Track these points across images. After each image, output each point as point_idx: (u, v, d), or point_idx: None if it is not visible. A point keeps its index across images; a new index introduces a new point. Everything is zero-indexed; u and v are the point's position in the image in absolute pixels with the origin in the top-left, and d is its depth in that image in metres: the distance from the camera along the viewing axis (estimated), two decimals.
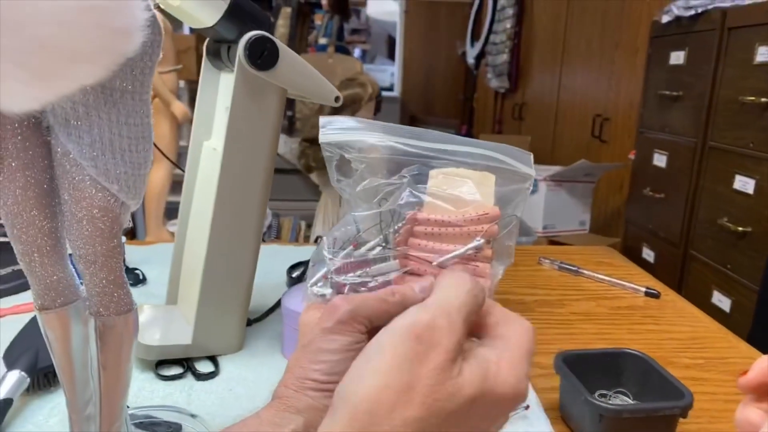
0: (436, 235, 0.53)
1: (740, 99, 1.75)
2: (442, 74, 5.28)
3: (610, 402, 0.61)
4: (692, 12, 1.99)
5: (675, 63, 2.11)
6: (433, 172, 0.51)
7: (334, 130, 0.49)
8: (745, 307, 1.73)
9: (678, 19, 2.08)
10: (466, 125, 4.65)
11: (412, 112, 5.38)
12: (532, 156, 0.54)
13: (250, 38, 0.65)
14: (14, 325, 0.78)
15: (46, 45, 0.30)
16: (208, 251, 0.70)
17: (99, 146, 0.39)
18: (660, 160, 2.20)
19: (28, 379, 0.62)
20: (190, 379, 0.69)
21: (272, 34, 0.68)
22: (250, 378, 0.70)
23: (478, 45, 4.19)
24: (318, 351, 0.35)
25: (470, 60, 4.41)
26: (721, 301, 1.84)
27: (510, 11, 3.88)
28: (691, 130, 2.01)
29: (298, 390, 0.35)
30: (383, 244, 0.51)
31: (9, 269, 0.90)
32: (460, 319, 0.30)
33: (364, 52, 5.43)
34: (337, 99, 0.73)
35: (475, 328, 0.33)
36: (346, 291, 0.48)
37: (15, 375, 0.61)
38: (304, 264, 0.99)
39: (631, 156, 2.43)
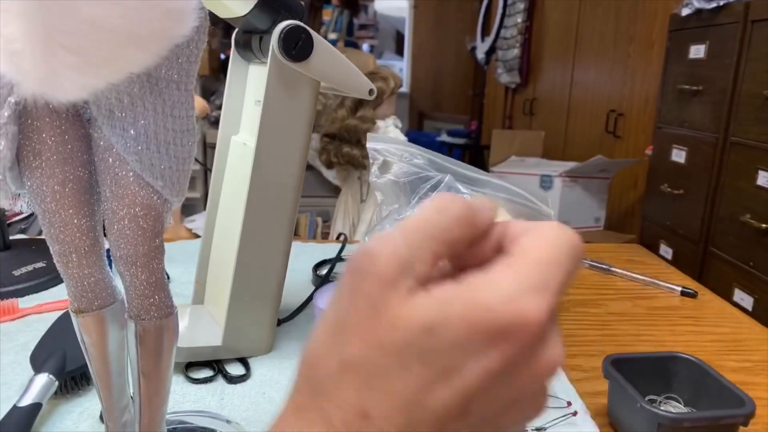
0: None
1: (765, 93, 1.71)
2: (451, 70, 5.24)
3: (668, 410, 0.58)
4: (714, 4, 1.95)
5: (695, 57, 2.08)
6: None
7: (381, 141, 0.60)
8: None
9: (698, 12, 2.04)
10: (476, 121, 4.62)
11: (421, 108, 5.34)
12: (549, 200, 0.59)
13: (285, 28, 0.62)
14: (38, 324, 0.76)
15: (100, 27, 0.27)
16: (240, 249, 0.67)
17: (143, 139, 0.37)
18: (679, 155, 2.17)
19: (57, 383, 0.59)
20: (221, 382, 0.66)
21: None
22: (282, 381, 0.67)
23: (489, 40, 4.15)
24: None
25: (480, 55, 4.38)
26: (743, 299, 1.80)
27: (521, 5, 3.84)
28: (711, 125, 1.98)
29: None
30: None
31: (30, 267, 0.88)
32: (409, 239, 0.22)
33: (371, 48, 5.40)
34: (371, 92, 0.70)
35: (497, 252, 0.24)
36: None
37: (43, 378, 0.59)
38: (329, 262, 0.97)
39: (648, 151, 2.39)
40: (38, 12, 0.26)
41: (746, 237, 1.80)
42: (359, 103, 1.54)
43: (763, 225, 1.70)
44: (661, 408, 0.61)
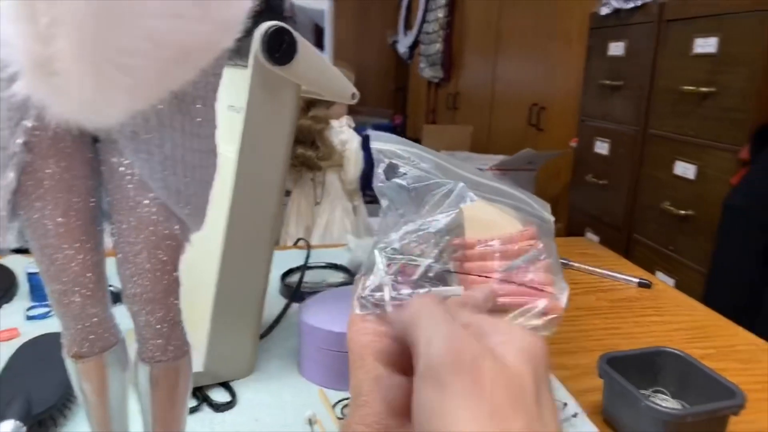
0: (487, 255, 0.54)
1: (679, 89, 1.83)
2: (374, 64, 5.24)
3: (660, 405, 0.60)
4: (631, 5, 2.07)
5: (614, 54, 2.19)
6: (463, 206, 0.54)
7: (385, 140, 0.51)
8: (689, 287, 1.83)
9: (617, 12, 2.15)
10: (400, 115, 4.64)
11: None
12: (549, 205, 0.58)
13: (269, 29, 0.58)
14: None
15: (161, 43, 0.23)
16: (222, 266, 0.62)
17: (170, 163, 0.32)
18: (602, 147, 2.28)
19: (24, 429, 0.53)
20: (207, 411, 0.62)
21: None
22: (273, 404, 0.63)
23: (411, 34, 4.18)
24: None
25: (402, 49, 4.40)
26: (665, 281, 1.93)
27: (442, 0, 3.89)
28: (632, 119, 2.09)
29: (382, 430, 0.31)
30: (442, 265, 0.49)
31: None
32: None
33: None
34: (353, 95, 0.67)
35: None
36: (390, 309, 0.45)
37: (9, 425, 0.52)
38: (297, 270, 0.93)
39: (573, 144, 2.50)
40: (95, 27, 0.22)
41: (666, 223, 1.92)
42: (311, 103, 1.49)
43: (682, 211, 1.82)
44: (662, 404, 0.63)
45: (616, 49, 2.17)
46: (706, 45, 1.75)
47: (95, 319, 0.37)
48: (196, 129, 0.33)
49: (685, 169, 1.86)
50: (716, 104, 1.71)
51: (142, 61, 0.24)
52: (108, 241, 0.36)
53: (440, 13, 3.90)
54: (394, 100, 5.08)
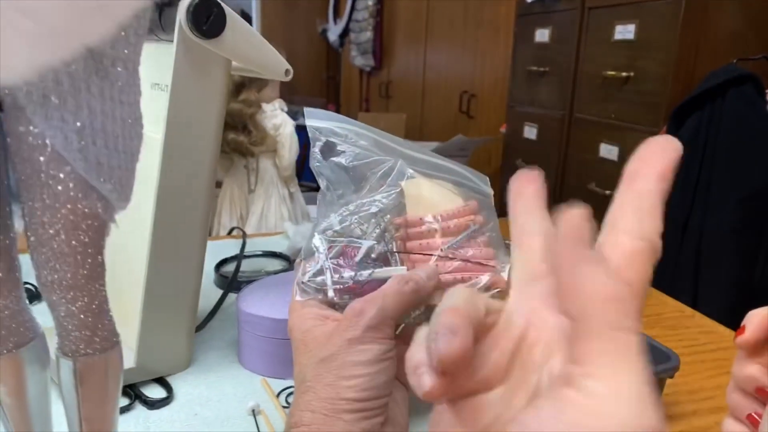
0: (428, 233, 0.53)
1: (602, 74, 1.90)
2: (304, 52, 5.14)
3: None
4: None
5: (540, 40, 2.25)
6: (403, 183, 0.52)
7: (321, 117, 0.49)
8: None
9: None
10: (333, 104, 4.60)
11: None
12: (488, 179, 0.58)
13: (194, 0, 0.54)
14: None
15: None
16: (151, 255, 0.59)
17: (89, 132, 0.29)
18: (530, 132, 2.35)
19: None
20: (141, 409, 0.58)
21: None
22: (213, 397, 0.60)
23: (341, 23, 4.13)
24: (347, 365, 0.30)
25: (333, 38, 4.35)
26: None
27: None
28: (558, 103, 2.16)
29: (329, 414, 0.30)
30: (385, 247, 0.47)
31: None
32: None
33: None
34: (287, 72, 0.64)
35: None
36: (332, 294, 0.43)
37: None
38: (232, 259, 0.89)
39: (503, 129, 2.56)
40: None
41: (593, 204, 1.96)
42: (241, 86, 1.43)
43: (607, 191, 1.90)
44: None
45: (542, 36, 2.23)
46: (625, 32, 1.83)
47: (6, 312, 0.33)
48: (117, 95, 0.30)
49: (608, 151, 1.94)
50: (635, 88, 1.79)
51: (49, 3, 0.20)
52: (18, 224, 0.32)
53: (370, 1, 3.88)
54: (327, 89, 5.02)
